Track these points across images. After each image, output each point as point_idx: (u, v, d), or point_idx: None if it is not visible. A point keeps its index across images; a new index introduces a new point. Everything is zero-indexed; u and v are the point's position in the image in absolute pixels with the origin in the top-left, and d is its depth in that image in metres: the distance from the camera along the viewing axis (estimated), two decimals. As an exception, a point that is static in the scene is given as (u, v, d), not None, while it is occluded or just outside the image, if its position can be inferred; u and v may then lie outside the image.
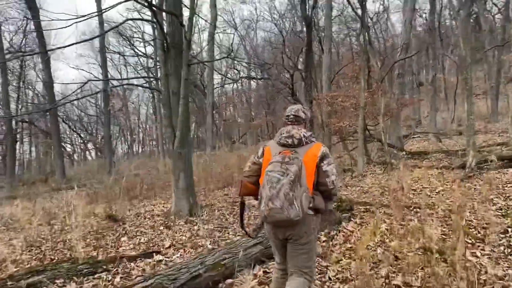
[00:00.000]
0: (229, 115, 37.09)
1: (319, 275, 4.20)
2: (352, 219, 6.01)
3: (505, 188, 7.15)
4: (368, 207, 6.76)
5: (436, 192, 7.72)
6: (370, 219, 6.11)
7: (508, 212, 5.66)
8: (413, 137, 20.48)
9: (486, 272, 3.73)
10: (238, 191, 3.04)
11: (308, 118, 3.15)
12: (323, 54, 16.42)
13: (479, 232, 4.98)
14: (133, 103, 42.71)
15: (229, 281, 4.14)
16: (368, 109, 11.86)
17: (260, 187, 2.79)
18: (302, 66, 17.59)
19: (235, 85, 37.63)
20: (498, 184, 7.46)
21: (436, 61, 20.30)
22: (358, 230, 5.56)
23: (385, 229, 5.37)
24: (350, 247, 4.92)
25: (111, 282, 4.51)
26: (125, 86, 37.94)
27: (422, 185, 8.61)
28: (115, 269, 4.88)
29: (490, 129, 18.19)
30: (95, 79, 26.09)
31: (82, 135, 39.86)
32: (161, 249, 5.87)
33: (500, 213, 5.66)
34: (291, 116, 3.03)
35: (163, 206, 9.62)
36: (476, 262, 3.92)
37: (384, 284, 3.66)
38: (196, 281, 3.85)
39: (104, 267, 4.87)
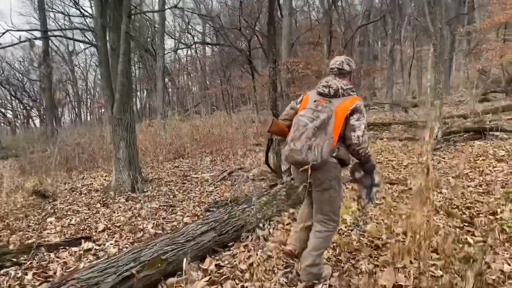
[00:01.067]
0: (183, 83, 35.43)
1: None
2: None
3: (477, 161, 6.63)
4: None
5: (404, 166, 7.11)
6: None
7: (489, 189, 5.08)
8: (370, 109, 20.18)
9: (489, 267, 3.04)
10: (268, 127, 3.07)
11: (353, 70, 3.09)
12: (282, 18, 15.39)
13: (463, 213, 4.34)
14: (80, 68, 39.99)
15: (171, 280, 3.23)
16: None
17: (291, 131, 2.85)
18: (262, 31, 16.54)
19: (189, 52, 35.93)
20: (469, 157, 6.94)
21: (394, 32, 19.85)
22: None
23: (357, 209, 4.62)
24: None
25: (19, 281, 3.47)
26: (70, 49, 35.36)
27: (387, 158, 8.00)
28: (28, 262, 3.83)
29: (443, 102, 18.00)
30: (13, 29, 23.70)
31: (24, 101, 36.88)
32: (93, 233, 4.85)
33: (481, 190, 5.06)
34: (335, 69, 2.99)
35: (105, 179, 8.51)
36: (472, 252, 3.23)
37: (368, 284, 2.88)
38: (127, 284, 2.90)
39: (15, 259, 3.81)
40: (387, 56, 20.32)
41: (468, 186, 5.22)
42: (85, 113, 43.46)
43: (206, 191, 6.59)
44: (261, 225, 4.20)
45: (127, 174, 6.86)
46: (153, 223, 4.95)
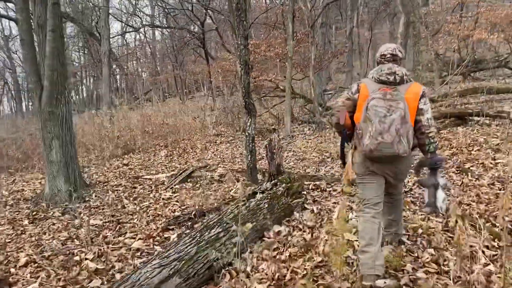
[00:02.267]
0: (132, 69, 33.25)
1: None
2: (306, 206, 4.18)
3: (472, 152, 5.84)
4: (317, 182, 5.00)
5: None
6: (328, 202, 4.37)
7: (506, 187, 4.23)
8: (329, 93, 19.44)
9: None
10: (341, 119, 2.81)
11: (404, 58, 2.95)
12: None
13: (494, 225, 3.44)
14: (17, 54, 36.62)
15: None
16: (295, 60, 10.04)
17: (361, 122, 2.67)
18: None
19: (137, 36, 33.73)
20: (460, 146, 6.15)
21: (353, 13, 19.13)
22: (320, 224, 3.76)
23: (357, 220, 3.63)
24: (320, 263, 3.09)
25: None
26: (6, 33, 32.23)
27: None
28: None
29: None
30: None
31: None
32: (12, 269, 3.55)
33: (497, 190, 4.20)
34: (388, 55, 2.80)
35: (40, 183, 7.08)
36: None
37: None
38: None
39: None
40: (345, 39, 19.60)
41: (480, 186, 4.36)
42: (26, 104, 40.10)
43: (163, 198, 5.38)
44: (243, 255, 3.10)
45: (63, 180, 5.53)
46: (95, 252, 3.71)
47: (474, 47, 18.93)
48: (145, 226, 4.37)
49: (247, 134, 4.61)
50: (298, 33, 10.88)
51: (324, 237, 3.36)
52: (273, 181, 4.05)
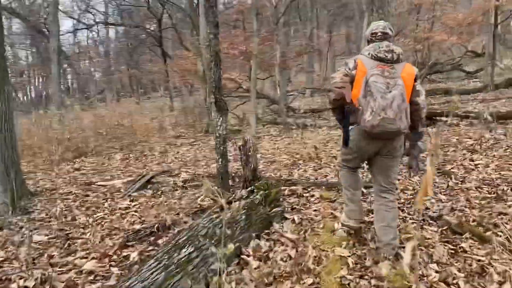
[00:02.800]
0: (85, 68, 31.67)
1: None
2: (286, 215, 3.71)
3: (448, 153, 5.61)
4: (293, 188, 4.56)
5: None
6: (308, 210, 3.93)
7: (496, 191, 3.96)
8: (290, 95, 19.22)
9: None
10: (347, 95, 2.71)
11: (393, 35, 2.98)
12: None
13: (496, 234, 3.11)
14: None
15: None
16: (258, 59, 9.59)
17: (360, 98, 2.63)
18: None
19: (91, 34, 32.17)
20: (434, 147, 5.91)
21: (313, 15, 19.00)
22: (304, 236, 3.30)
23: (347, 233, 3.21)
24: (311, 286, 2.62)
25: None
26: None
27: (337, 150, 6.75)
28: None
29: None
30: None
31: None
32: None
33: (487, 194, 3.92)
34: (379, 34, 2.82)
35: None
36: None
37: None
38: None
39: None
40: (305, 41, 19.43)
41: (467, 189, 4.08)
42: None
43: (120, 208, 4.74)
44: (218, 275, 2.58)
45: (1, 190, 4.75)
46: (37, 277, 3.06)
47: (430, 50, 19.34)
48: (100, 242, 3.75)
49: (217, 134, 4.09)
50: (262, 31, 10.46)
51: (312, 253, 2.91)
52: (249, 188, 3.56)
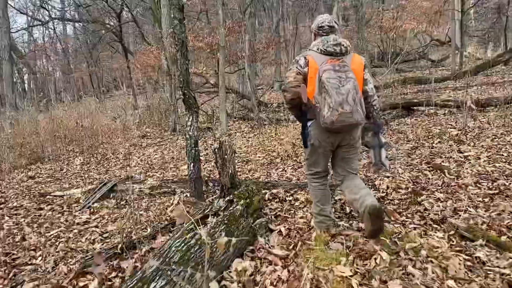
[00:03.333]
0: (41, 67, 29.98)
1: None
2: (271, 226, 3.22)
3: (433, 145, 5.28)
4: (274, 191, 4.08)
5: None
6: (294, 217, 3.46)
7: (496, 186, 3.62)
8: (260, 88, 18.72)
9: None
10: (303, 95, 2.69)
11: (339, 28, 2.92)
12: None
13: (490, 228, 2.74)
14: None
15: None
16: (227, 50, 9.05)
17: (316, 95, 2.64)
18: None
19: (47, 31, 30.45)
20: (418, 139, 5.59)
21: (279, 6, 18.51)
22: (295, 251, 2.83)
23: (347, 247, 2.77)
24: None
25: None
26: None
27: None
28: None
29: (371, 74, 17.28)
30: None
31: None
32: None
33: (488, 190, 3.56)
34: (326, 27, 2.81)
35: None
36: None
37: None
38: None
39: None
40: (272, 33, 18.94)
41: (465, 185, 3.71)
42: None
43: (78, 223, 4.13)
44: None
45: None
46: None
47: (396, 39, 19.32)
48: (53, 268, 3.16)
49: (188, 136, 3.54)
50: (229, 22, 9.90)
51: (308, 274, 2.44)
52: (227, 198, 3.05)
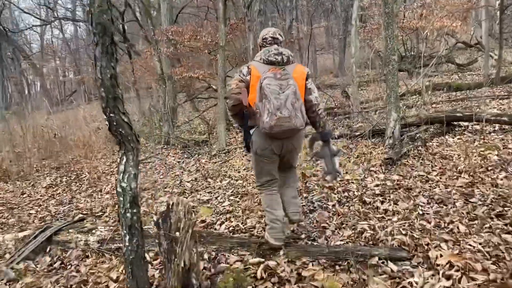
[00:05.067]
0: (51, 68, 29.00)
1: None
2: None
3: (496, 180, 3.73)
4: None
5: (353, 190, 4.08)
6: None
7: None
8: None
9: None
10: (244, 99, 2.73)
11: (284, 41, 2.99)
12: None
13: None
14: None
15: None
16: (229, 50, 7.62)
17: (257, 102, 2.68)
18: None
19: (56, 32, 29.51)
20: (472, 169, 4.05)
21: (292, 5, 17.03)
22: None
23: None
24: None
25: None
26: None
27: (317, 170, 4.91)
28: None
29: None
30: None
31: None
32: None
33: None
34: (269, 39, 2.92)
35: None
36: None
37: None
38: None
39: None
40: (286, 35, 17.46)
41: None
42: None
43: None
44: None
45: None
46: None
47: (418, 41, 17.66)
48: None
49: (119, 189, 2.08)
50: (231, 20, 8.47)
51: None
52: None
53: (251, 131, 2.84)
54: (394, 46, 5.69)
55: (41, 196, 5.64)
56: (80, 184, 6.07)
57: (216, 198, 4.52)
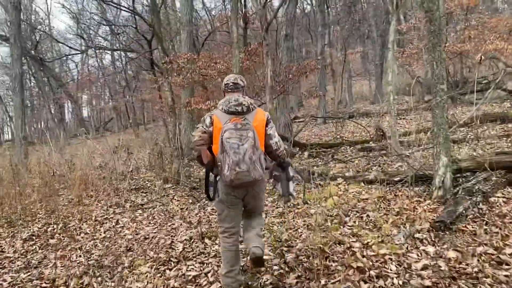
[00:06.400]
0: (88, 96, 29.27)
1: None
2: None
3: None
4: None
5: (390, 274, 2.83)
6: None
7: None
8: (300, 121, 16.16)
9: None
10: (204, 158, 2.86)
11: (245, 86, 3.14)
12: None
13: None
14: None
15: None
16: (245, 78, 6.58)
17: (218, 154, 2.77)
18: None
19: (91, 61, 29.88)
20: None
21: (324, 30, 16.01)
22: None
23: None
24: None
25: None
26: None
27: (355, 237, 3.69)
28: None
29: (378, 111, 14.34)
30: None
31: None
32: None
33: None
34: (231, 84, 3.03)
35: None
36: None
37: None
38: None
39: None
40: (317, 58, 16.45)
41: None
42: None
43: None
44: None
45: None
46: None
47: (462, 66, 16.13)
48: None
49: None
50: (251, 45, 7.50)
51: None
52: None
53: (217, 178, 2.88)
54: (442, 72, 4.46)
55: (13, 252, 4.71)
56: (63, 236, 5.10)
57: (206, 274, 3.39)
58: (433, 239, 3.46)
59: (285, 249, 3.67)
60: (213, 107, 7.16)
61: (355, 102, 21.66)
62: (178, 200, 6.16)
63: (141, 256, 3.99)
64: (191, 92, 8.96)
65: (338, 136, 9.99)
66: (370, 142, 8.68)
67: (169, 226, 5.03)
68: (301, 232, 4.08)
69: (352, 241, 3.60)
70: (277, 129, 8.50)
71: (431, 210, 4.08)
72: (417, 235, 3.54)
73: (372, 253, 3.28)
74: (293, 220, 4.49)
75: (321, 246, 3.47)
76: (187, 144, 8.69)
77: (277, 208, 5.03)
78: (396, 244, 3.41)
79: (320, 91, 15.93)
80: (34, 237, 5.19)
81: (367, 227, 3.98)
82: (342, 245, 3.54)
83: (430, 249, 3.24)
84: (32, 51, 21.68)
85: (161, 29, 8.45)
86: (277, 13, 6.55)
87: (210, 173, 2.91)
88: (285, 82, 7.20)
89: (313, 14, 24.47)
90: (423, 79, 17.46)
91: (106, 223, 5.47)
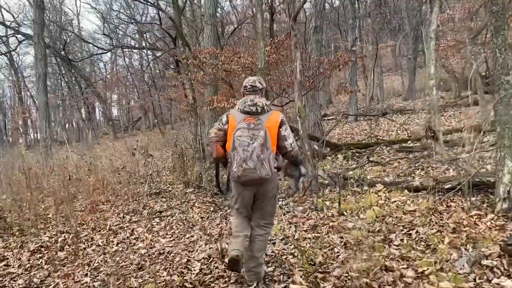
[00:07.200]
0: (111, 95, 29.31)
1: None
2: None
3: None
4: None
5: None
6: None
7: None
8: (330, 119, 15.42)
9: None
10: (213, 152, 2.97)
11: (264, 88, 3.18)
12: None
13: None
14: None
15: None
16: (272, 74, 6.00)
17: (230, 151, 2.86)
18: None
19: (120, 60, 29.89)
20: None
21: (355, 23, 15.14)
22: None
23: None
24: None
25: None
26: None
27: (405, 260, 2.99)
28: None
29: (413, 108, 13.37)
30: None
31: None
32: None
33: None
34: (249, 87, 3.08)
35: None
36: None
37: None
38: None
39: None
40: (348, 52, 15.60)
41: None
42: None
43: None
44: None
45: None
46: None
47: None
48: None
49: None
50: (278, 37, 6.86)
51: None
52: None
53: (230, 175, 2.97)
54: (507, 60, 3.70)
55: (17, 267, 4.27)
56: (72, 248, 4.64)
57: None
58: (506, 267, 2.75)
59: (319, 275, 3.03)
60: (235, 106, 6.60)
61: (387, 98, 20.64)
62: (198, 208, 5.61)
63: (152, 278, 3.43)
64: (215, 90, 8.41)
65: (372, 135, 9.22)
66: (408, 142, 7.91)
67: (187, 238, 4.48)
68: (338, 252, 3.44)
69: (403, 267, 2.93)
70: (307, 128, 7.87)
71: (497, 227, 3.35)
72: (484, 262, 2.84)
73: (431, 287, 2.60)
74: (328, 236, 3.84)
75: (365, 273, 2.82)
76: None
77: (308, 220, 4.38)
78: (460, 274, 2.72)
79: (351, 86, 15.11)
80: (42, 249, 4.75)
81: (418, 247, 3.29)
82: (390, 272, 2.88)
83: (507, 283, 2.54)
84: (62, 52, 21.75)
85: (181, 21, 7.94)
86: (305, 2, 5.87)
87: (220, 169, 3.06)
88: (316, 77, 6.53)
89: (342, 8, 23.53)
90: (459, 74, 16.37)
91: (120, 233, 4.97)
